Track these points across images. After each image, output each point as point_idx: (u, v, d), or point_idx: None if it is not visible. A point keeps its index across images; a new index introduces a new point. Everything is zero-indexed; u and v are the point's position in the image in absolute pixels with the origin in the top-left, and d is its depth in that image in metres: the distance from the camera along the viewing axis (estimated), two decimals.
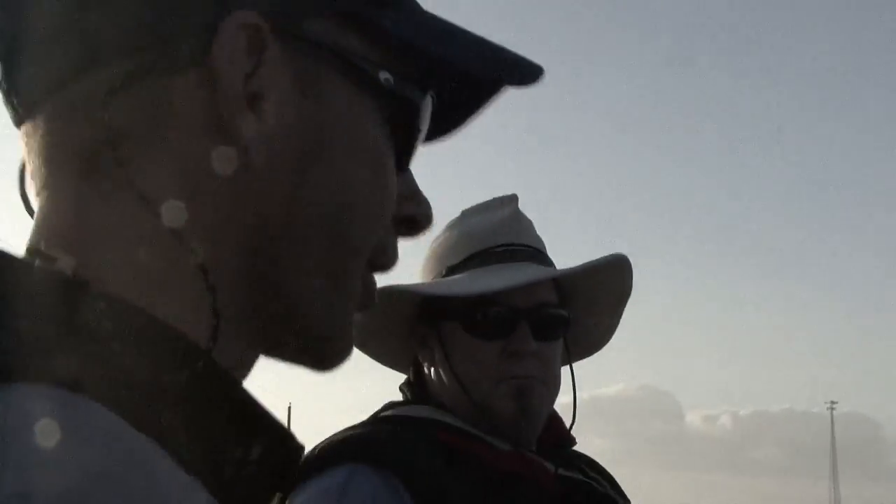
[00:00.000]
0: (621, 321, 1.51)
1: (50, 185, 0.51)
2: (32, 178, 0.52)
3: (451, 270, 1.43)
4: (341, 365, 0.57)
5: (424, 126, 0.58)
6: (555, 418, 1.45)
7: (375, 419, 1.41)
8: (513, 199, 1.49)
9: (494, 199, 1.50)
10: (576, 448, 1.47)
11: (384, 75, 0.54)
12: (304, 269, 0.52)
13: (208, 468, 0.47)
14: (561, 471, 1.34)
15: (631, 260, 1.43)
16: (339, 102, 0.52)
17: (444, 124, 0.63)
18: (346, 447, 1.26)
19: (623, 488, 1.46)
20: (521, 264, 1.40)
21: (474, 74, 0.58)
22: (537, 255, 1.44)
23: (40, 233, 0.51)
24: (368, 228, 0.54)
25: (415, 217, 0.58)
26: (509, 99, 0.60)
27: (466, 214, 1.50)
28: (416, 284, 1.46)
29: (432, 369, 1.43)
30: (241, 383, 0.51)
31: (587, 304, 1.47)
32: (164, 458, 0.43)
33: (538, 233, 1.50)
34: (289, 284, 0.52)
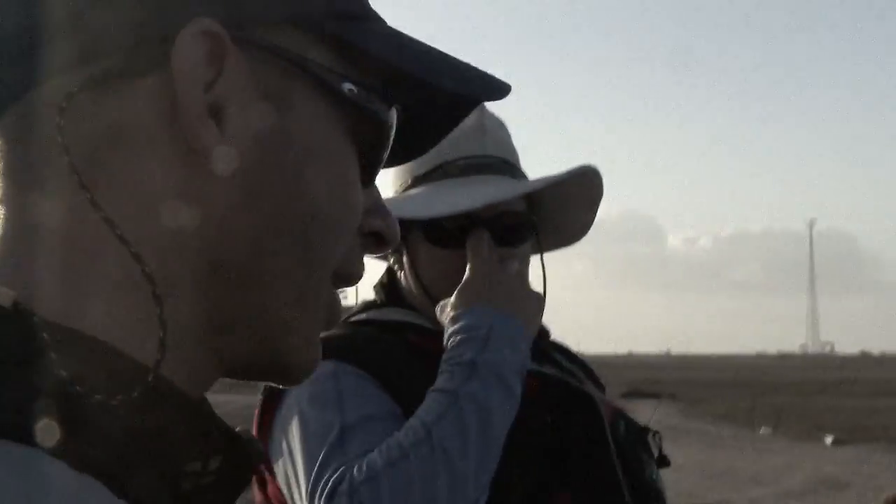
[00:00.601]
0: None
1: (3, 200, 0.51)
2: None
3: (417, 181, 1.43)
4: (305, 379, 0.57)
5: (390, 140, 0.58)
6: None
7: (351, 322, 1.44)
8: (479, 107, 1.44)
9: None
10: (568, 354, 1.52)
11: (347, 86, 0.53)
12: (269, 280, 0.52)
13: (161, 487, 0.48)
14: (534, 366, 1.35)
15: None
16: (305, 113, 0.52)
17: (413, 145, 0.63)
18: (328, 346, 1.29)
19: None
20: (483, 178, 1.40)
21: (437, 87, 0.57)
22: (502, 166, 1.43)
23: None
24: (334, 241, 0.54)
25: (380, 233, 0.59)
26: None
27: None
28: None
29: (401, 273, 1.47)
30: (193, 397, 0.51)
31: (558, 208, 1.48)
32: (100, 490, 0.44)
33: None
34: (252, 296, 0.52)
